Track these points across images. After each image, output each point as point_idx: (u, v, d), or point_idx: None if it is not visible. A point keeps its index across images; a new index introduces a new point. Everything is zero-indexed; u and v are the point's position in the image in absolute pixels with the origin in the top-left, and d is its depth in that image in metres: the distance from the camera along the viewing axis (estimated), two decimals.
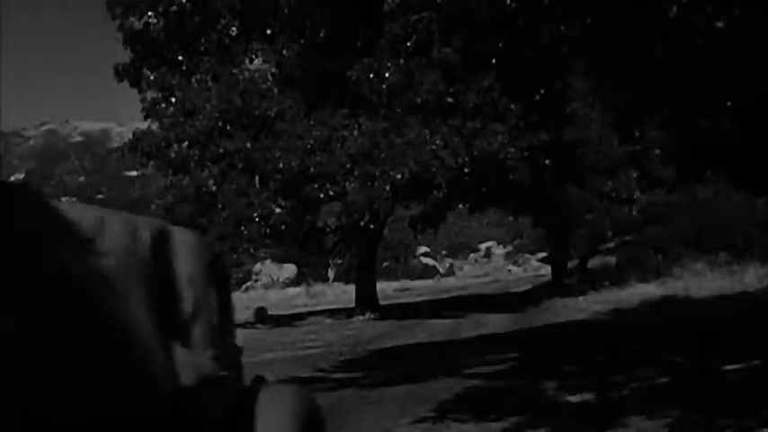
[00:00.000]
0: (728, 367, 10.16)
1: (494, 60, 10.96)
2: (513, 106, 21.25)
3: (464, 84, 20.65)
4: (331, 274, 54.43)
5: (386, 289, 47.36)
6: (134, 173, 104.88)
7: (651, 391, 9.41)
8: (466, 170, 22.28)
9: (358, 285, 28.62)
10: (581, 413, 8.63)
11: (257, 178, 24.14)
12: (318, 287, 49.09)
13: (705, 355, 11.43)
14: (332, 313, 27.12)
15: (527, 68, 10.98)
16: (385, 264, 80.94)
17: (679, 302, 19.58)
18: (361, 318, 25.34)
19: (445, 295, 38.48)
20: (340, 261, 48.65)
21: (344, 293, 42.28)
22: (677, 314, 17.75)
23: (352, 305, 28.20)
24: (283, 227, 24.28)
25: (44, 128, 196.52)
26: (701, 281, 22.07)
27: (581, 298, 24.46)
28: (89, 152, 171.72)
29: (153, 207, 26.35)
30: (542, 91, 16.82)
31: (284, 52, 19.69)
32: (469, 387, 10.72)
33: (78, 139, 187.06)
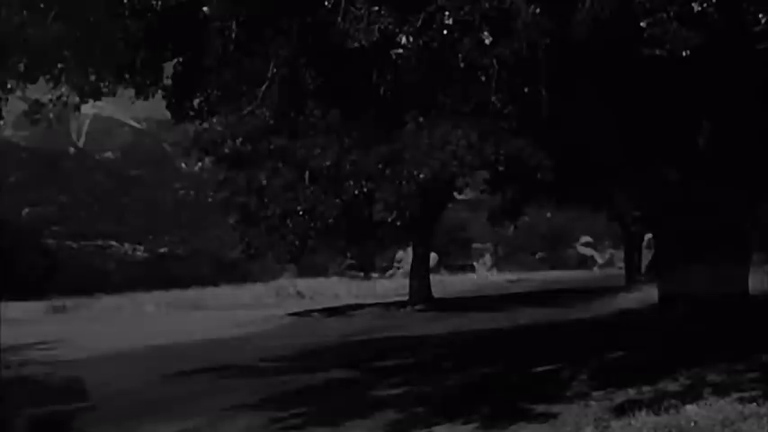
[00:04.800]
0: None
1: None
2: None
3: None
4: None
5: (499, 280, 47.22)
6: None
7: None
8: (499, 168, 22.14)
9: (411, 278, 29.10)
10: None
11: (307, 174, 25.00)
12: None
13: None
14: (386, 306, 27.91)
15: None
16: (539, 254, 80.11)
17: None
18: (409, 309, 26.00)
19: (556, 287, 38.06)
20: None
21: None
22: None
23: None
24: (330, 220, 25.00)
25: None
26: None
27: None
28: None
29: (209, 200, 27.90)
30: None
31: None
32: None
33: None
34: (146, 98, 10.81)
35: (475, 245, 72.99)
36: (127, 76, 10.26)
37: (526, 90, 10.49)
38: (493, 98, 10.33)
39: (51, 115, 9.98)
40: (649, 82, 11.30)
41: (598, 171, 18.45)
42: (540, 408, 10.10)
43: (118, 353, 19.42)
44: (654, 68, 10.21)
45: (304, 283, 41.51)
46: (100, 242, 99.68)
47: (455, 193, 29.32)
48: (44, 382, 6.51)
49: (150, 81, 10.69)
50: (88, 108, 12.19)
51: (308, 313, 27.32)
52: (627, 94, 12.10)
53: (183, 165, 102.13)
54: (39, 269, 50.90)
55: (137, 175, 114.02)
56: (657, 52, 8.45)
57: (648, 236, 28.09)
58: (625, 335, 15.87)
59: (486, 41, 9.35)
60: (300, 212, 23.87)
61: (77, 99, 9.93)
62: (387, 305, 28.69)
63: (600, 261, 78.94)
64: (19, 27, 8.69)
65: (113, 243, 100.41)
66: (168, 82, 11.24)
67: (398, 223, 25.61)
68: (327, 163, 22.83)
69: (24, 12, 8.85)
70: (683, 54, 8.41)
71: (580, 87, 11.54)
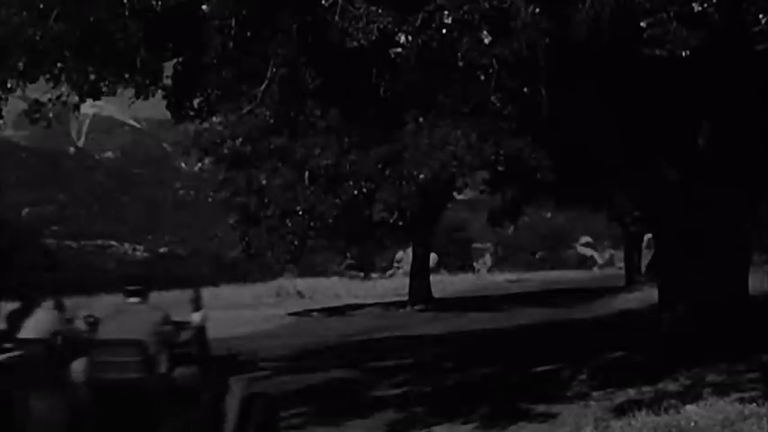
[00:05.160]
0: None
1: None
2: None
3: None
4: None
5: (499, 280, 47.21)
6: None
7: None
8: (499, 168, 22.21)
9: (411, 278, 29.14)
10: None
11: (306, 174, 25.00)
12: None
13: None
14: (386, 306, 27.98)
15: None
16: (539, 253, 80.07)
17: None
18: (409, 309, 26.07)
19: (556, 287, 38.11)
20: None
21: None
22: None
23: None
24: (330, 220, 25.01)
25: None
26: None
27: None
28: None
29: (209, 200, 27.90)
30: None
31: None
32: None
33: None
34: (146, 98, 10.81)
35: (475, 245, 73.05)
36: (127, 76, 10.25)
37: (526, 90, 10.50)
38: (492, 98, 10.34)
39: (51, 115, 10.00)
40: (649, 82, 11.30)
41: (598, 171, 18.43)
42: (540, 408, 10.12)
43: None
44: (654, 68, 10.21)
45: (304, 283, 41.50)
46: (100, 242, 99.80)
47: (455, 193, 29.36)
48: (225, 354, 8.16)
49: (150, 81, 10.68)
50: (88, 108, 12.22)
51: (307, 313, 27.35)
52: (627, 94, 12.10)
53: (183, 165, 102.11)
54: (39, 269, 50.93)
55: (137, 175, 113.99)
56: (657, 52, 8.45)
57: (648, 236, 28.13)
58: (625, 335, 15.87)
59: (486, 41, 9.36)
60: (300, 212, 23.88)
61: (77, 99, 9.95)
62: (387, 305, 28.73)
63: (600, 261, 78.92)
64: (19, 27, 8.71)
65: (113, 243, 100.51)
66: (168, 82, 11.24)
67: (399, 223, 25.71)
68: (327, 162, 22.86)
69: (24, 12, 8.87)
70: (683, 54, 8.42)
71: (580, 87, 11.54)
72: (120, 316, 7.27)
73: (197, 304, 7.66)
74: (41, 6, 8.89)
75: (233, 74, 10.75)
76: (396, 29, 9.33)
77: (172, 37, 10.48)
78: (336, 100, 12.69)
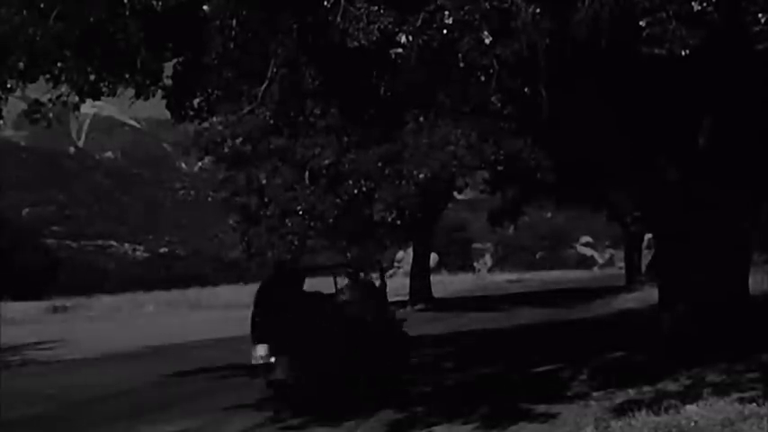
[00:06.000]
0: None
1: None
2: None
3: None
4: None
5: (499, 280, 47.21)
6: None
7: None
8: (499, 168, 22.23)
9: (412, 278, 29.16)
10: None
11: (306, 174, 24.91)
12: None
13: None
14: None
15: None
16: (539, 254, 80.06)
17: None
18: (409, 309, 26.09)
19: (556, 287, 38.17)
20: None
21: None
22: None
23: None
24: (330, 220, 24.92)
25: None
26: None
27: None
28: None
29: (209, 200, 27.89)
30: None
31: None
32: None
33: None
34: (146, 98, 10.82)
35: (475, 245, 73.12)
36: (127, 76, 10.26)
37: (526, 90, 10.51)
38: (493, 98, 10.35)
39: (51, 115, 10.01)
40: (649, 81, 11.31)
41: (598, 171, 18.41)
42: (540, 408, 10.12)
43: (118, 353, 19.46)
44: (654, 68, 10.22)
45: (304, 283, 41.46)
46: (100, 242, 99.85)
47: (455, 193, 29.41)
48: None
49: (150, 81, 10.70)
50: (88, 108, 12.28)
51: None
52: (627, 94, 12.12)
53: (183, 165, 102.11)
54: (39, 269, 50.94)
55: (137, 175, 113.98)
56: (657, 51, 8.45)
57: (648, 236, 28.17)
58: (625, 335, 15.88)
59: (486, 41, 9.36)
60: (300, 212, 23.84)
61: (77, 99, 9.96)
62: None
63: (600, 261, 78.92)
64: (19, 26, 8.71)
65: (113, 243, 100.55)
66: (168, 82, 11.25)
67: (398, 223, 25.74)
68: (327, 162, 22.84)
69: (24, 11, 8.87)
70: (683, 53, 8.42)
71: (580, 87, 11.56)
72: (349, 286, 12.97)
73: (382, 276, 13.91)
74: (41, 6, 8.89)
75: (233, 74, 10.76)
76: (396, 29, 9.34)
77: (172, 37, 10.50)
78: (336, 100, 12.72)
